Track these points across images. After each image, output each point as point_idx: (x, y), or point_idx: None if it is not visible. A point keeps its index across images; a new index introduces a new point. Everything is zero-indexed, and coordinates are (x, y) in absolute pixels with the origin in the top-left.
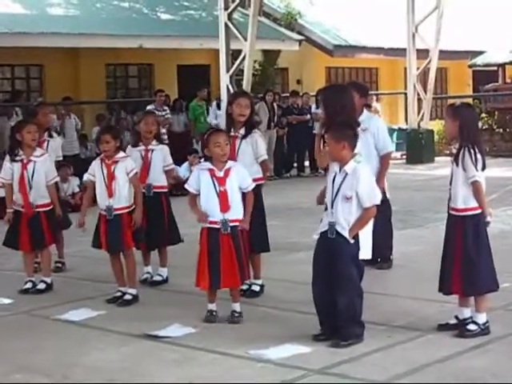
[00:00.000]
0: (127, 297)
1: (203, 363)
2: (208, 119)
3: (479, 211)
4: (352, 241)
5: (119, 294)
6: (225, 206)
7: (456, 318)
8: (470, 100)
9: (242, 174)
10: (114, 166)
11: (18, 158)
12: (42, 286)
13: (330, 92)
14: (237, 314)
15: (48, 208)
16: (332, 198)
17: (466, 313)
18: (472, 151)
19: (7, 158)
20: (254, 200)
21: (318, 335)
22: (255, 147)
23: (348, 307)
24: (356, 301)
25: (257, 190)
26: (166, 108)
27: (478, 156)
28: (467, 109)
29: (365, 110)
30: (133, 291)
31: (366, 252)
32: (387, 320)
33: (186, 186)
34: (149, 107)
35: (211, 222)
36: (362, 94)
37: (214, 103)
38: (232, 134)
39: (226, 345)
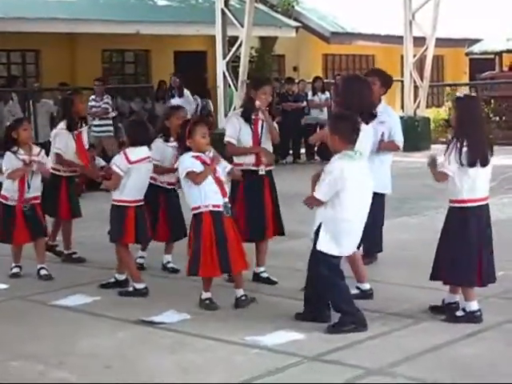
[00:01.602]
0: (130, 288)
1: (198, 349)
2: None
3: (468, 204)
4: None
5: (113, 279)
6: (223, 190)
7: (443, 301)
8: (466, 88)
9: (221, 159)
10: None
11: (20, 157)
12: (44, 271)
13: (349, 81)
14: (244, 298)
15: (39, 200)
16: None
17: (453, 298)
18: (459, 143)
19: (9, 154)
20: (274, 184)
21: (299, 313)
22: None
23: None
24: (327, 292)
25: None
26: (105, 97)
27: (465, 149)
28: (465, 100)
29: (382, 101)
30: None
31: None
32: (382, 307)
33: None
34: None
35: (214, 206)
36: (384, 83)
37: (186, 91)
38: (253, 116)
39: (221, 331)
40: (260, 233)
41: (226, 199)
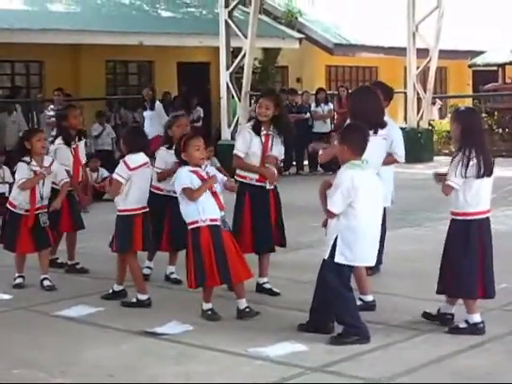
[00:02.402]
0: (133, 299)
1: (202, 360)
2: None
3: (471, 217)
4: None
5: (111, 290)
6: (220, 204)
7: (438, 310)
8: (469, 100)
9: (215, 172)
10: None
11: (33, 168)
12: (47, 282)
13: (358, 94)
14: (248, 310)
15: (45, 210)
16: None
17: (449, 309)
18: (465, 156)
19: (22, 164)
20: (277, 196)
21: (302, 324)
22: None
23: (325, 308)
24: (334, 303)
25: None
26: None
27: (472, 162)
28: (469, 113)
29: (386, 114)
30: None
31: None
32: (385, 319)
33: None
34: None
35: (212, 220)
36: (386, 96)
37: (158, 103)
38: (264, 132)
39: (225, 342)
40: (266, 245)
41: (223, 212)
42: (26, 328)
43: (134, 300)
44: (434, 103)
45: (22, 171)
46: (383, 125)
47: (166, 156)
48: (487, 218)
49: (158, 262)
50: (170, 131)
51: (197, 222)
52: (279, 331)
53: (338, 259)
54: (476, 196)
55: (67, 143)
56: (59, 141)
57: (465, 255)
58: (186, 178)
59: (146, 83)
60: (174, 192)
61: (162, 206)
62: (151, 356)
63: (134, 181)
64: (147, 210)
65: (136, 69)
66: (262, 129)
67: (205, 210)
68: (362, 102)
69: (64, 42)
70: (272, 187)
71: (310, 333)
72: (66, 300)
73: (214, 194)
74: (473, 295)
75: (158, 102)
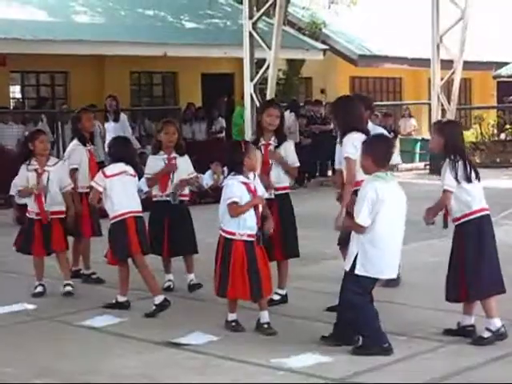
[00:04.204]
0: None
1: (224, 371)
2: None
3: (476, 215)
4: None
5: (113, 301)
6: (258, 218)
7: (458, 324)
8: (494, 111)
9: (261, 186)
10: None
11: (31, 167)
12: (69, 288)
13: (338, 103)
14: (267, 326)
15: (62, 216)
16: None
17: (469, 320)
18: (454, 162)
19: (23, 166)
20: (288, 207)
21: (325, 336)
22: (287, 155)
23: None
24: (354, 314)
25: (286, 199)
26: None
27: (460, 167)
28: (452, 126)
29: (370, 122)
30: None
31: (391, 271)
32: (408, 330)
33: (232, 199)
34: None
35: (249, 236)
36: (366, 106)
37: (123, 115)
38: (264, 142)
39: (248, 353)
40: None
41: (258, 227)
42: (48, 338)
43: (114, 301)
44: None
45: (20, 175)
46: (366, 132)
47: (152, 161)
48: (488, 215)
49: (178, 272)
50: (158, 136)
51: (234, 233)
52: (302, 342)
53: (358, 271)
54: (475, 195)
55: (83, 144)
56: (76, 141)
57: (481, 255)
58: (237, 190)
59: (170, 94)
60: (174, 199)
61: (161, 212)
62: (174, 366)
63: (112, 188)
64: (139, 214)
65: (160, 80)
66: (261, 139)
67: (245, 225)
68: (343, 110)
69: (89, 53)
70: (274, 197)
71: (334, 346)
72: (89, 310)
73: (256, 209)
74: (500, 291)
75: (122, 114)
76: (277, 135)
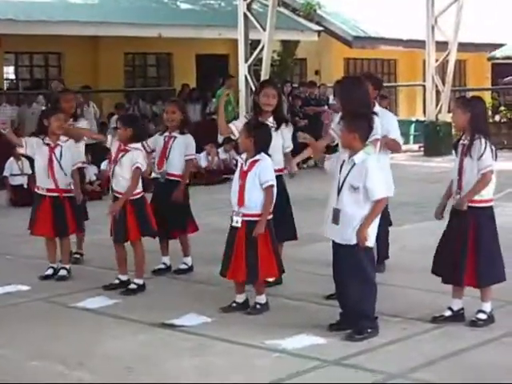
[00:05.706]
0: (132, 286)
1: (219, 352)
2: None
3: (492, 203)
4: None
5: (117, 281)
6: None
7: (450, 309)
8: (488, 93)
9: None
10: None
11: (46, 142)
12: (63, 272)
13: (345, 84)
14: (259, 306)
15: (72, 194)
16: (338, 187)
17: (459, 304)
18: (486, 142)
19: (38, 140)
20: (280, 189)
21: (333, 324)
22: (283, 137)
23: (356, 302)
24: (364, 296)
25: (279, 181)
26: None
27: (492, 147)
28: (479, 102)
29: (377, 105)
30: (139, 281)
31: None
32: (402, 312)
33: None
34: None
35: (253, 215)
36: (376, 86)
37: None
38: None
39: (242, 334)
40: None
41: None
42: (43, 319)
43: (134, 286)
44: None
45: (35, 146)
46: (374, 113)
47: (156, 139)
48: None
49: (174, 254)
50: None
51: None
52: (297, 324)
53: (370, 243)
54: (495, 178)
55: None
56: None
57: (494, 240)
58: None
59: (164, 75)
60: (162, 177)
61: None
62: (169, 348)
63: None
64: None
65: (155, 61)
66: (259, 119)
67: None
68: (350, 91)
69: (83, 34)
70: None
71: (342, 330)
72: (84, 291)
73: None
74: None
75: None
76: (274, 116)
